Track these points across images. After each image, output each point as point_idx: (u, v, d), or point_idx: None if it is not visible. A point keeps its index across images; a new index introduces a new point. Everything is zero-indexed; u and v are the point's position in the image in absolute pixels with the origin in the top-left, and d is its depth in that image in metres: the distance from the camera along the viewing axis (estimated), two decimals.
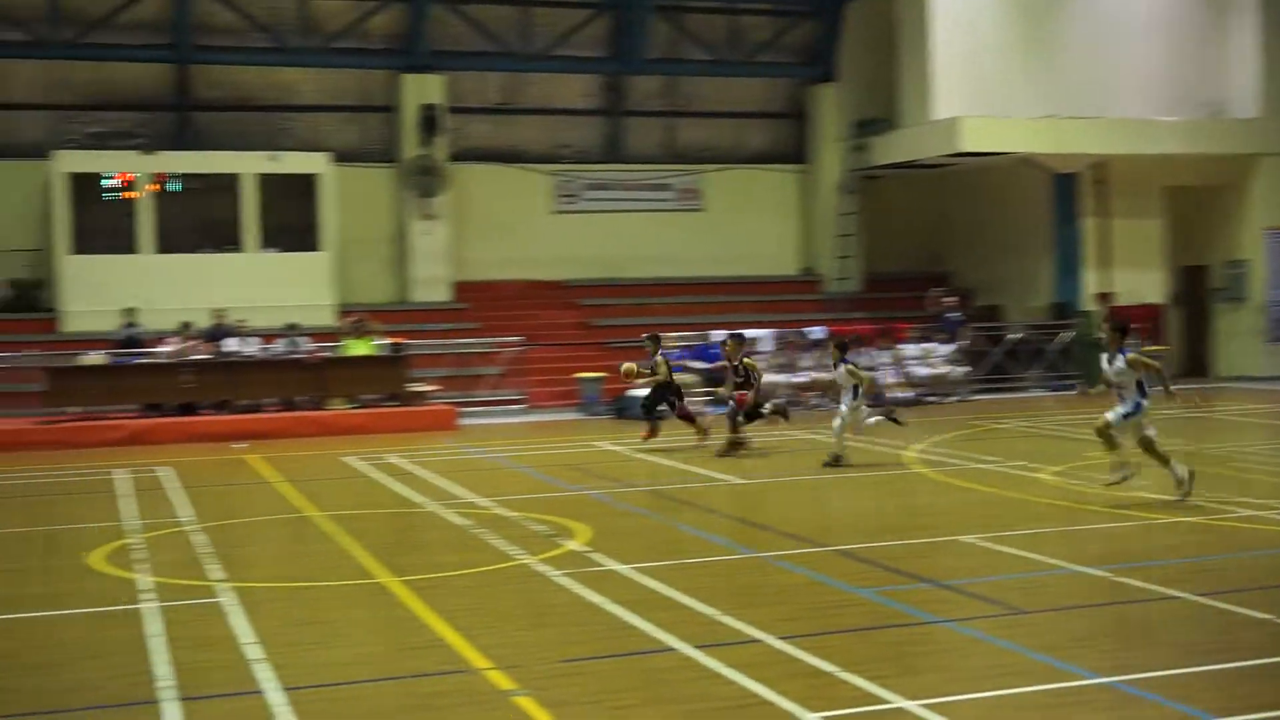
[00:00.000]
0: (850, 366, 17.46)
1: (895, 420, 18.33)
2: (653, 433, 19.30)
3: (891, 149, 31.06)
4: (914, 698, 7.38)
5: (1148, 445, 13.56)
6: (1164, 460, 13.59)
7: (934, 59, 29.31)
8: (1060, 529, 12.55)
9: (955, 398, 26.56)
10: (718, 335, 25.62)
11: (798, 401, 24.92)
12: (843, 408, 17.29)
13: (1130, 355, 13.48)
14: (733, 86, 32.98)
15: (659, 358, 19.79)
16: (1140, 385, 13.44)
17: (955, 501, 14.18)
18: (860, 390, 17.31)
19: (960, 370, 27.11)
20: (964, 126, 28.29)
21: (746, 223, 32.84)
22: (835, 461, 17.02)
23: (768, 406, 19.03)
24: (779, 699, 7.44)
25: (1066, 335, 28.83)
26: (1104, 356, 13.96)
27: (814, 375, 25.64)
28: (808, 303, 31.41)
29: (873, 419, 18.00)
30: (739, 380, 18.91)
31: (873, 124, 31.78)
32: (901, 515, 12.96)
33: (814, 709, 7.26)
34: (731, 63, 32.36)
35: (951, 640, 8.84)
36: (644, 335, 20.40)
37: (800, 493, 15.73)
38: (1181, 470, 13.54)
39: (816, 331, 26.71)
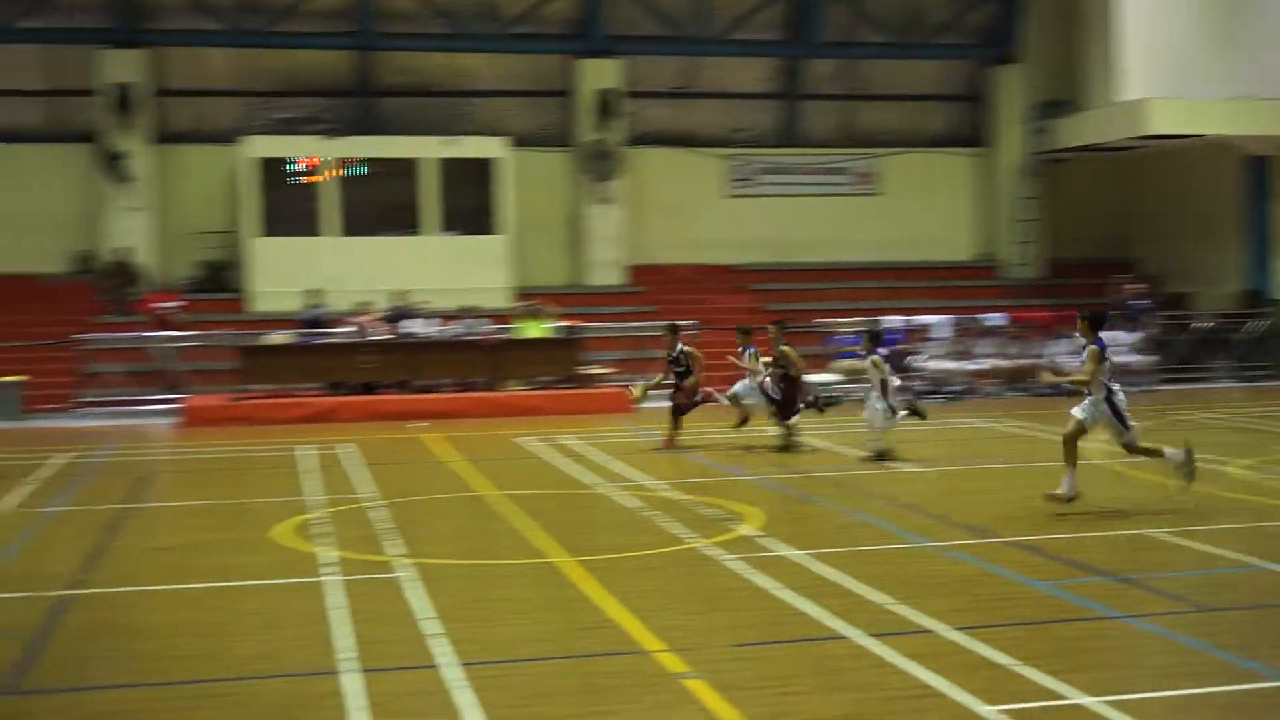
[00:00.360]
0: (876, 359, 16.42)
1: (919, 414, 17.07)
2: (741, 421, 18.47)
3: (1075, 131, 30.32)
4: (1095, 694, 7.18)
5: None
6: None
7: (1120, 38, 28.52)
8: (1249, 525, 12.11)
9: (1140, 388, 25.80)
10: (891, 322, 25.36)
11: (973, 389, 24.49)
12: (876, 404, 16.40)
13: None
14: (910, 69, 32.52)
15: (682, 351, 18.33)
16: None
17: (1137, 494, 13.78)
18: (886, 384, 16.32)
19: (1146, 360, 26.34)
20: (1152, 108, 27.47)
21: (922, 207, 32.39)
22: (880, 456, 16.32)
23: (802, 401, 17.96)
24: (954, 690, 7.32)
25: (1258, 324, 27.80)
26: None
27: (994, 363, 25.17)
28: (985, 289, 30.85)
29: (900, 413, 16.89)
30: (679, 371, 18.13)
31: (1055, 106, 31.07)
32: (1079, 507, 12.63)
33: (991, 702, 7.12)
34: (910, 45, 31.91)
35: (1133, 636, 8.60)
36: (664, 325, 19.35)
37: (974, 481, 15.45)
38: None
39: (994, 318, 26.23)
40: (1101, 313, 13.19)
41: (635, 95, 30.79)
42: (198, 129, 29.32)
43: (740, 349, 18.34)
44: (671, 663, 7.97)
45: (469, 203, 29.08)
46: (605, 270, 30.38)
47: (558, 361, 24.97)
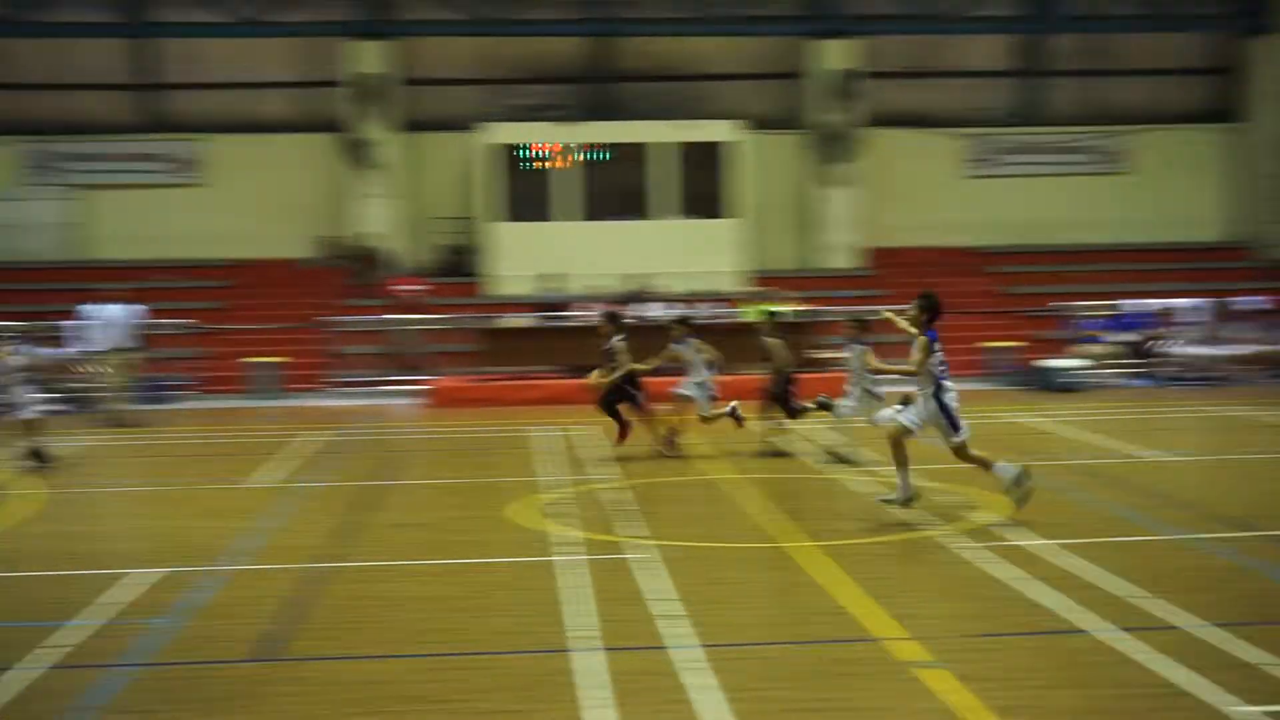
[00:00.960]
0: (864, 349, 15.21)
1: (830, 409, 15.77)
2: (624, 435, 16.53)
3: None
4: None
5: None
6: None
7: None
8: None
9: None
10: (1130, 305, 24.56)
11: (1229, 376, 23.53)
12: (850, 396, 15.35)
13: None
14: (1156, 42, 31.36)
15: (617, 342, 16.44)
16: None
17: None
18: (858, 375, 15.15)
19: None
20: None
21: (1170, 186, 31.23)
22: (839, 459, 15.36)
23: (813, 402, 16.21)
24: (1208, 688, 7.06)
25: None
26: None
27: (1255, 348, 24.11)
28: (1236, 271, 29.57)
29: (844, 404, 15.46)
30: (612, 365, 16.32)
31: None
32: None
33: (1249, 702, 6.85)
34: (1157, 17, 30.74)
35: None
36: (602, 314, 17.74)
37: (1228, 472, 14.85)
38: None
39: (1249, 301, 25.12)
40: (935, 300, 11.80)
41: (870, 75, 30.44)
42: (439, 117, 30.16)
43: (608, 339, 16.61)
44: (909, 651, 7.90)
45: (702, 187, 29.20)
46: (838, 253, 30.16)
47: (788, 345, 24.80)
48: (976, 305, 28.51)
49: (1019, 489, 11.73)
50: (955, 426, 11.65)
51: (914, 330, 11.76)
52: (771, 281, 26.54)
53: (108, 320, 21.41)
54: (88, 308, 21.57)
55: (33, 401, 16.56)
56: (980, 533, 11.21)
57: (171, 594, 9.61)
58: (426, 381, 24.21)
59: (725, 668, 7.65)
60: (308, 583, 9.94)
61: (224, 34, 29.42)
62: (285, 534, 11.98)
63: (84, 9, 29.13)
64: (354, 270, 28.43)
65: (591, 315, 24.88)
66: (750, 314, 25.37)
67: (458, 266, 29.37)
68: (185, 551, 11.09)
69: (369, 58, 29.03)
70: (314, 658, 8.13)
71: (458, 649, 8.25)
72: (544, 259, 27.16)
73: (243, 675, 7.80)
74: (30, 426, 16.27)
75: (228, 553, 11.01)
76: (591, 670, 7.65)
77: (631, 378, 16.48)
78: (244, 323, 27.19)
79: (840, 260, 30.09)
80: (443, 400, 23.28)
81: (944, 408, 11.60)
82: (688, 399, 16.83)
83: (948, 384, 11.67)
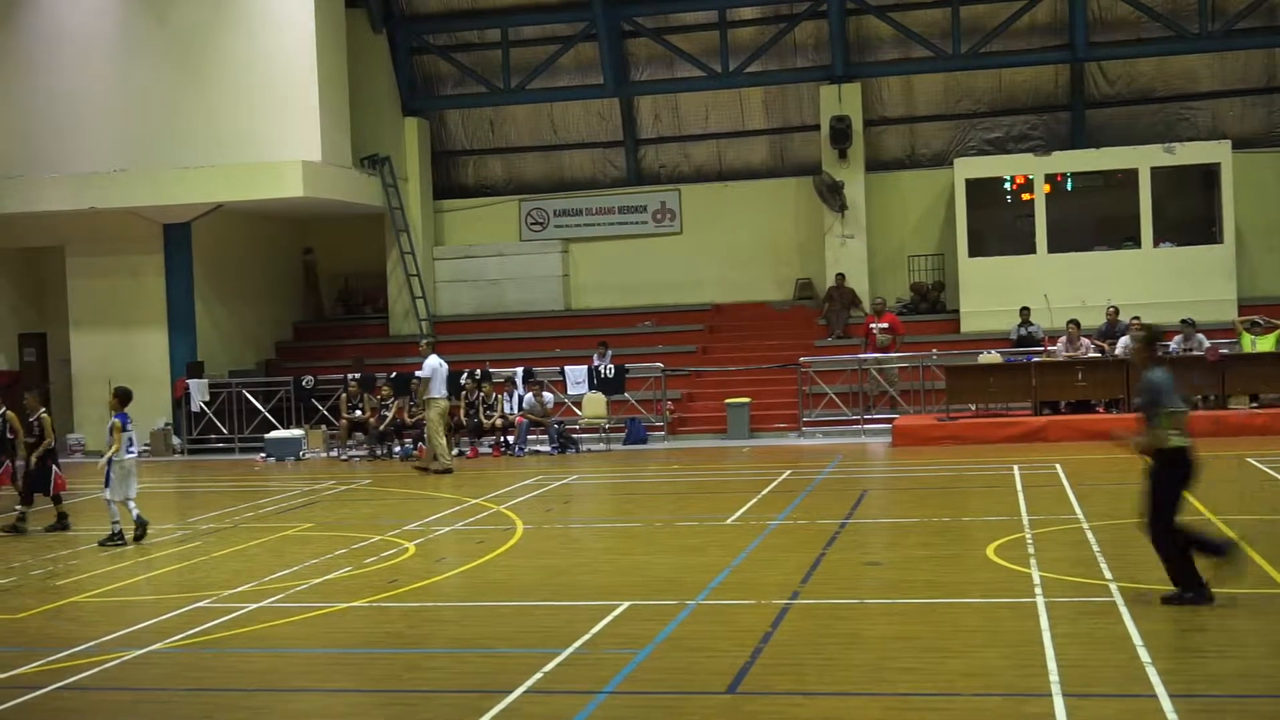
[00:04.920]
0: None
1: None
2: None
3: None
4: None
5: None
6: None
7: None
8: None
9: None
10: None
11: None
12: None
13: None
14: None
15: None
16: None
17: None
18: None
19: None
20: None
21: None
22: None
23: None
24: None
25: None
26: None
27: None
28: None
29: None
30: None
31: None
32: None
33: None
34: None
35: None
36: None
37: None
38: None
39: None
40: None
41: None
42: (907, 154, 30.13)
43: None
44: None
45: (1188, 211, 27.74)
46: None
47: None
48: None
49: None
50: None
51: None
52: (1261, 310, 24.84)
53: (431, 371, 22.17)
54: (431, 360, 22.39)
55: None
56: None
57: (646, 625, 10.02)
58: (897, 419, 24.12)
59: None
60: (770, 618, 10.11)
61: (701, 88, 30.55)
62: (754, 569, 12.24)
63: (569, 75, 31.05)
64: (827, 311, 28.76)
65: (1063, 350, 24.11)
66: (1255, 343, 23.76)
67: (930, 304, 29.14)
68: (658, 586, 11.54)
69: (841, 101, 29.35)
70: (767, 692, 8.27)
71: (920, 689, 8.18)
72: (1016, 293, 26.54)
73: (712, 706, 8.04)
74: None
75: (698, 587, 11.36)
76: (1061, 718, 7.39)
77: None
78: (719, 364, 28.06)
79: None
80: (908, 439, 23.12)
81: None
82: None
83: None
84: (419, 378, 22.65)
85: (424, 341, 24.05)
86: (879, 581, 11.54)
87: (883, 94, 30.13)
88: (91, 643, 10.20)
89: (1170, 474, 9.82)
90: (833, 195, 29.15)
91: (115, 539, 15.20)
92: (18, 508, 16.96)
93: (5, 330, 29.47)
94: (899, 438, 23.29)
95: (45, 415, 17.24)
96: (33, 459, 17.07)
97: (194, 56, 27.51)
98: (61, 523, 16.86)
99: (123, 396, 15.80)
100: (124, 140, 27.56)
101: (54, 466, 17.15)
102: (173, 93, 27.57)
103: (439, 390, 22.10)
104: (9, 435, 17.64)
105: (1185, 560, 9.80)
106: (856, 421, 25.28)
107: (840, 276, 28.82)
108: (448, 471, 21.60)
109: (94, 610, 11.76)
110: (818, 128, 29.80)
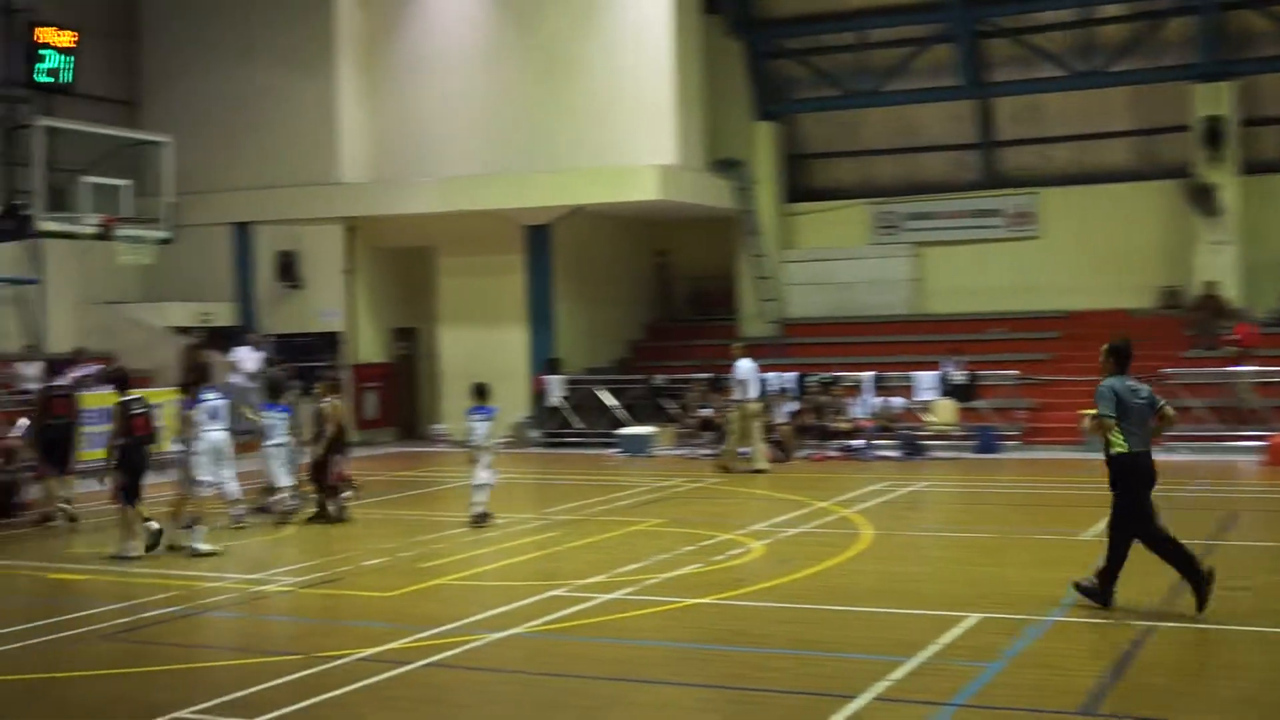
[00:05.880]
0: None
1: None
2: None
3: None
4: None
5: None
6: None
7: None
8: None
9: None
10: None
11: None
12: None
13: None
14: None
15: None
16: None
17: None
18: None
19: None
20: None
21: None
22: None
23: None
24: None
25: None
26: None
27: None
28: None
29: None
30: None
31: None
32: None
33: None
34: None
35: None
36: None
37: None
38: None
39: None
40: None
41: None
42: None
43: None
44: None
45: None
46: None
47: None
48: None
49: None
50: None
51: None
52: None
53: (746, 374, 22.47)
54: (743, 363, 22.62)
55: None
56: None
57: (996, 638, 9.81)
58: (1275, 437, 22.70)
59: None
60: (1132, 638, 9.72)
61: (1062, 88, 29.60)
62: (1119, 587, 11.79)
63: (924, 77, 30.60)
64: (1194, 320, 27.36)
65: None
66: None
67: None
68: (1009, 599, 11.28)
69: (1214, 100, 27.88)
70: (1131, 716, 7.94)
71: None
72: None
73: None
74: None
75: (1052, 601, 11.03)
76: None
77: None
78: (1072, 374, 27.08)
79: None
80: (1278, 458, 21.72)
81: None
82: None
83: None
84: (730, 380, 22.98)
85: (736, 345, 24.26)
86: (1246, 607, 10.92)
87: (1261, 91, 28.45)
88: (456, 623, 10.74)
89: (1121, 481, 10.97)
90: (1203, 199, 27.71)
91: (481, 520, 16.09)
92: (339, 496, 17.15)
93: (380, 325, 31.30)
94: (1276, 456, 21.89)
95: (329, 405, 17.41)
96: (319, 449, 17.20)
97: (556, 65, 28.55)
98: (323, 513, 16.98)
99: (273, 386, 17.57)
100: (489, 145, 28.88)
101: (337, 456, 17.25)
102: (535, 100, 28.69)
103: (749, 392, 22.51)
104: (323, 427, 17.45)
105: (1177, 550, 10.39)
106: (1227, 438, 23.92)
107: (1210, 284, 27.37)
108: (761, 472, 22.00)
109: (457, 592, 12.39)
110: (1186, 128, 28.39)
